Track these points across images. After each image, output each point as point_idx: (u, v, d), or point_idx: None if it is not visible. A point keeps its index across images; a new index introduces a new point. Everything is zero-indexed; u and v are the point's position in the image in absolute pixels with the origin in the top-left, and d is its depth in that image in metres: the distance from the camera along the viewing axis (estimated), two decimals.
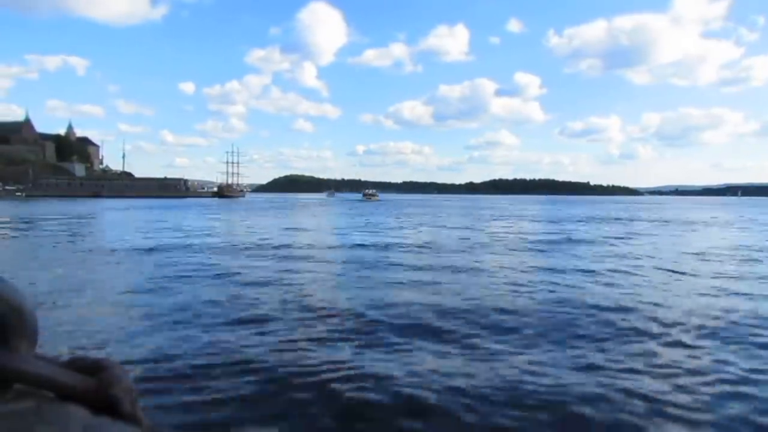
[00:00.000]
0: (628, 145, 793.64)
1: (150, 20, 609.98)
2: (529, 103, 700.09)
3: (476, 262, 11.31)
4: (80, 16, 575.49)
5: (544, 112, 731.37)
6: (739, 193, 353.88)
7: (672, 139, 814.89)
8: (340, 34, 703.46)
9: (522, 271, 9.94)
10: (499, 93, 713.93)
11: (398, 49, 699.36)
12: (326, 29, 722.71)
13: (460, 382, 3.92)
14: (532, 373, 4.15)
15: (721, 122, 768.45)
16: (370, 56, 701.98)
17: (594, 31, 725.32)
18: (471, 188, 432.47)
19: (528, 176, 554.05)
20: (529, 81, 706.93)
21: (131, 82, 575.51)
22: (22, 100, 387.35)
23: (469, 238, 17.14)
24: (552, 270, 10.05)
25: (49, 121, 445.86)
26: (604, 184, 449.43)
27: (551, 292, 7.73)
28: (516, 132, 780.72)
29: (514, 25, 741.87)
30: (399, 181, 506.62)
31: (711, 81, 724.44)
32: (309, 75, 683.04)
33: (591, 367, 4.32)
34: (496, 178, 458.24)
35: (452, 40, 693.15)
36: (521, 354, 4.70)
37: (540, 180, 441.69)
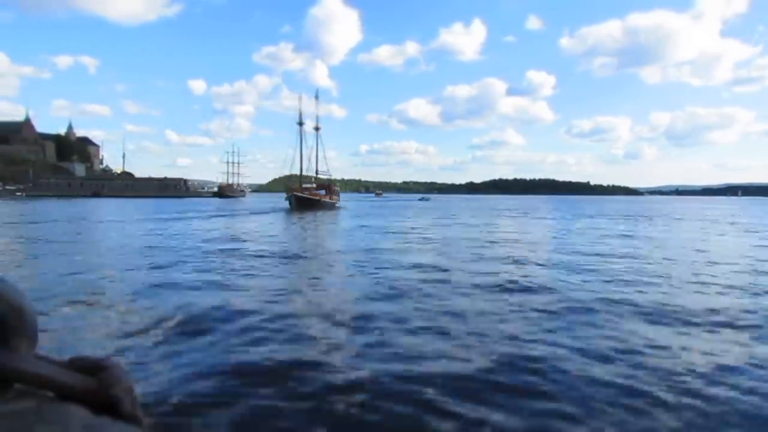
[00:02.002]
0: (634, 145, 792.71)
1: (165, 17, 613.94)
2: (541, 103, 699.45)
3: None
4: (94, 15, 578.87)
5: (554, 112, 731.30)
6: (740, 193, 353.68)
7: (680, 138, 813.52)
8: (353, 32, 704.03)
9: None
10: (509, 92, 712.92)
11: (412, 48, 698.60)
12: (339, 27, 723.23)
13: None
14: None
15: (732, 122, 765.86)
16: (383, 55, 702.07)
17: (611, 29, 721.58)
18: (471, 188, 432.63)
19: (532, 176, 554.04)
20: (542, 80, 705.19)
21: (139, 82, 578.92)
22: (31, 100, 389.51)
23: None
24: None
25: (58, 121, 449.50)
26: (605, 184, 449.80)
27: None
28: (524, 131, 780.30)
29: (533, 23, 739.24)
30: (399, 181, 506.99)
31: (725, 80, 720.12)
32: (320, 74, 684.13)
33: None
34: (497, 178, 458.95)
35: (468, 39, 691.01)
36: None
37: (540, 180, 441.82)
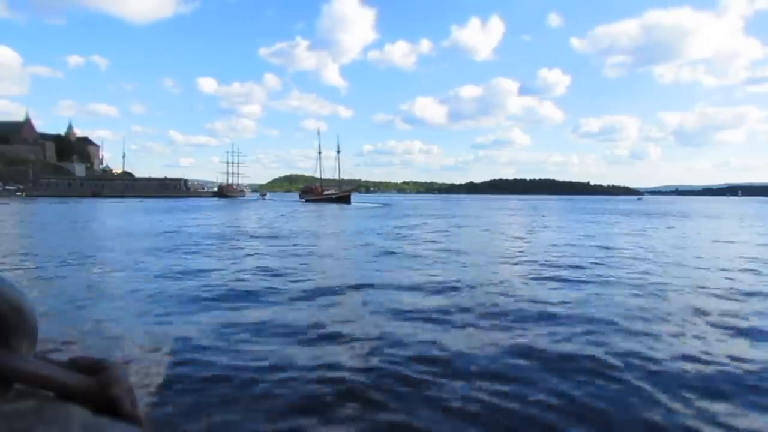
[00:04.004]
0: (640, 145, 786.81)
1: (180, 14, 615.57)
2: (551, 102, 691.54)
3: None
4: (107, 14, 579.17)
5: (565, 112, 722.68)
6: (740, 193, 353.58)
7: (689, 138, 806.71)
8: (367, 30, 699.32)
9: None
10: (521, 91, 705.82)
11: (426, 45, 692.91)
12: (354, 25, 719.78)
13: None
14: None
15: (741, 121, 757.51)
16: (395, 53, 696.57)
17: (628, 27, 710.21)
18: (471, 188, 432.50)
19: (534, 176, 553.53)
20: (556, 80, 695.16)
21: (148, 81, 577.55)
22: (42, 101, 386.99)
23: None
24: None
25: (65, 121, 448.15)
26: (604, 184, 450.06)
27: None
28: (531, 131, 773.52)
29: (553, 20, 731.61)
30: (400, 180, 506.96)
31: (740, 78, 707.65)
32: (331, 73, 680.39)
33: None
34: (497, 178, 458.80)
35: (484, 36, 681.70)
36: None
37: (540, 180, 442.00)
